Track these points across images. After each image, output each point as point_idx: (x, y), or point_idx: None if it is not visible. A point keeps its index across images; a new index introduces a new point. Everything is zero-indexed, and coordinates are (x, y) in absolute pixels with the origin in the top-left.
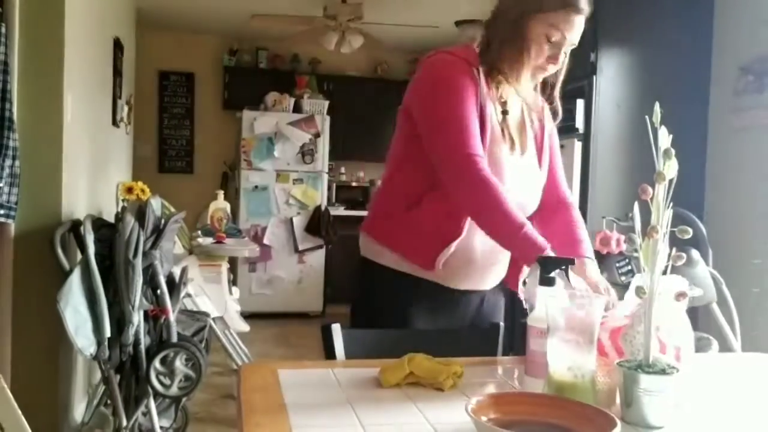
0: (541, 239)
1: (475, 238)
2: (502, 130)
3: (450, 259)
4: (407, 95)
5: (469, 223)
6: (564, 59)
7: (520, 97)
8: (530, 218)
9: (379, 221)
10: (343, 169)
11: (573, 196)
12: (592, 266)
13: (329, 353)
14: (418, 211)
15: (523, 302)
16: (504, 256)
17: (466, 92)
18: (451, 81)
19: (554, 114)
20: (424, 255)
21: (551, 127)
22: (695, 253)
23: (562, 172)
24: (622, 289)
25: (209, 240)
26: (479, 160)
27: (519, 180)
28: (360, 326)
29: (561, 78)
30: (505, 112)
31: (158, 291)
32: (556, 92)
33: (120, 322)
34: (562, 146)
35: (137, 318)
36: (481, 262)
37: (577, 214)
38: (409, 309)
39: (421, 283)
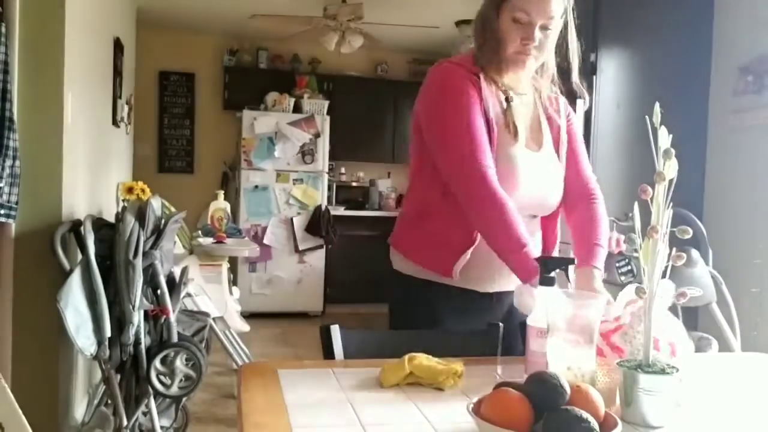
0: (533, 264)
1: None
2: (507, 124)
3: (468, 265)
4: (417, 105)
5: None
6: (544, 38)
7: (521, 89)
8: (555, 212)
9: (400, 231)
10: (343, 169)
11: (597, 184)
12: (598, 276)
13: (328, 354)
14: (431, 220)
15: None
16: None
17: (470, 99)
18: (455, 89)
19: (569, 95)
20: (440, 264)
21: (569, 114)
22: (695, 253)
23: (585, 160)
24: (622, 289)
25: (209, 240)
26: (488, 172)
27: (536, 176)
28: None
29: (576, 60)
30: (509, 100)
31: (158, 291)
32: (574, 75)
33: (120, 322)
34: None
35: (137, 318)
36: (500, 264)
37: (598, 207)
38: (442, 317)
39: (451, 290)
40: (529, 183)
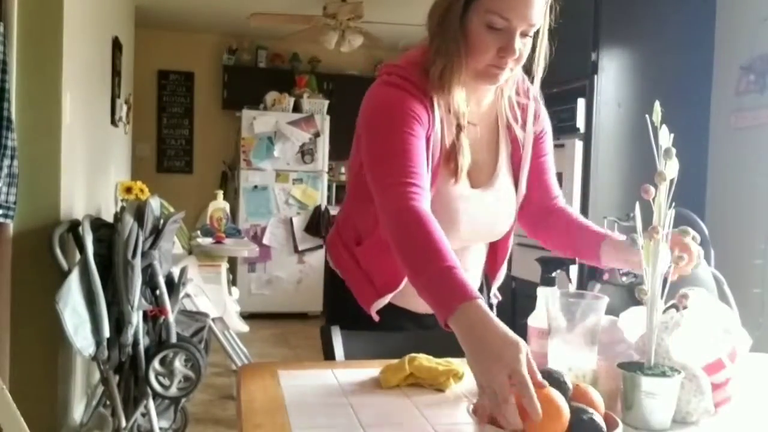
0: (470, 287)
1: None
2: (449, 160)
3: (399, 295)
4: (358, 119)
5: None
6: (523, 47)
7: (481, 105)
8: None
9: (335, 241)
10: (342, 169)
11: (565, 199)
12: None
13: (329, 355)
14: (363, 251)
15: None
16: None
17: (412, 128)
18: (404, 120)
19: (535, 118)
20: (362, 296)
21: (539, 129)
22: None
23: (553, 175)
24: (624, 289)
25: (208, 240)
26: (415, 190)
27: (480, 214)
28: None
29: (540, 68)
30: (460, 128)
31: (157, 291)
32: (534, 86)
33: (119, 323)
34: (562, 146)
35: (136, 318)
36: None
37: (575, 215)
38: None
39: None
40: (470, 223)
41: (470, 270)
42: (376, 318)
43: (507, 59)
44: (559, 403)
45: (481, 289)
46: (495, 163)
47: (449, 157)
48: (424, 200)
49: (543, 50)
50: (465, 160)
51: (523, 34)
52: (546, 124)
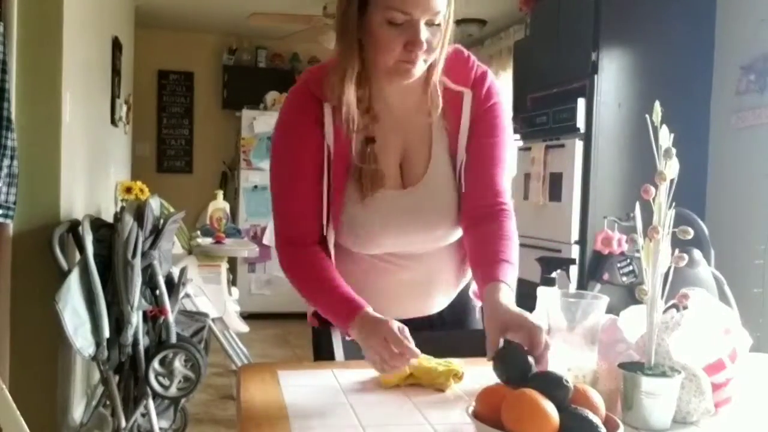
0: (354, 300)
1: (374, 281)
2: (360, 176)
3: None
4: None
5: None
6: (432, 36)
7: (400, 100)
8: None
9: None
10: None
11: (511, 200)
12: (510, 294)
13: (329, 356)
14: None
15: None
16: (431, 285)
17: (300, 155)
18: (290, 140)
19: (434, 108)
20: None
21: (487, 103)
22: (697, 254)
23: (497, 165)
24: (624, 289)
25: (208, 240)
26: (297, 250)
27: (408, 219)
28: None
29: (443, 57)
30: (369, 140)
31: (157, 291)
32: (435, 73)
33: (119, 323)
34: (562, 146)
35: (136, 318)
36: (389, 304)
37: (506, 223)
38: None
39: None
40: (398, 228)
41: (442, 274)
42: (314, 322)
43: (416, 52)
44: (545, 405)
45: (466, 286)
46: (428, 154)
47: (356, 171)
48: (318, 251)
49: (447, 37)
50: (371, 179)
51: (429, 23)
52: (495, 108)
